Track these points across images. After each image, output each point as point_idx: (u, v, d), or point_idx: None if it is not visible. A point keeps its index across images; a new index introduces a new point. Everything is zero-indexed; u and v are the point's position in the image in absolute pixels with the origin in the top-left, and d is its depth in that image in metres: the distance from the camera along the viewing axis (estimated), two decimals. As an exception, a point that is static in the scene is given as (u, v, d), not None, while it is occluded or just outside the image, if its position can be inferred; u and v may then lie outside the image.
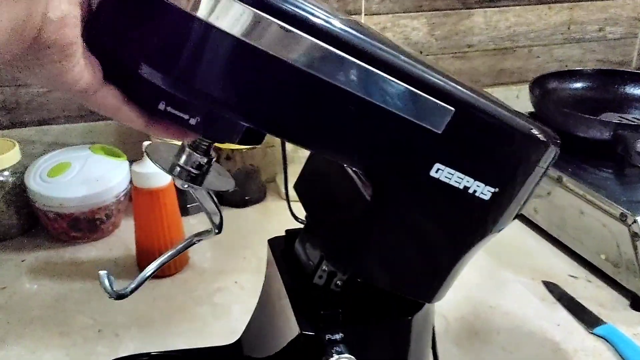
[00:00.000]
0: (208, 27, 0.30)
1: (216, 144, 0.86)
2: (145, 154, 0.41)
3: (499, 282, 0.75)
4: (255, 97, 0.33)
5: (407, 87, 0.35)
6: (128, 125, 0.36)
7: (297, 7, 0.31)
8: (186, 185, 0.41)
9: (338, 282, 0.45)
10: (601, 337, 0.65)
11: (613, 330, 0.66)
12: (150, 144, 0.44)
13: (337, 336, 0.41)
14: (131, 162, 0.71)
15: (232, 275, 0.75)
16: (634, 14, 1.07)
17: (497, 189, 0.40)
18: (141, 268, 0.74)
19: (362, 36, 0.33)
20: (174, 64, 0.31)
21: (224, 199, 0.90)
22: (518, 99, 1.01)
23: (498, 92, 0.65)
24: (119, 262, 0.77)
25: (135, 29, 0.31)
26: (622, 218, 0.69)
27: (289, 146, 0.50)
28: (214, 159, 0.41)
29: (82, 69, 0.30)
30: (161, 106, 0.34)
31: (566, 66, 1.05)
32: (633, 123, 0.85)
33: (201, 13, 0.30)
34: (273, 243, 0.52)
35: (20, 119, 0.88)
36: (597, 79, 0.93)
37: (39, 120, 0.89)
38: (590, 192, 0.73)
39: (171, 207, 0.72)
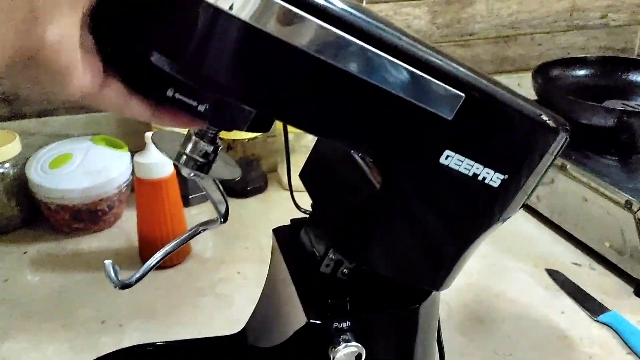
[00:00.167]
0: (216, 12, 0.30)
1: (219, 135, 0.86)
2: (151, 142, 0.41)
3: (501, 270, 0.75)
4: (264, 83, 0.33)
5: (417, 73, 0.34)
6: (133, 118, 0.35)
7: (306, -9, 0.31)
8: (192, 174, 0.40)
9: (345, 270, 0.44)
10: (606, 325, 0.65)
11: (618, 318, 0.66)
12: (156, 132, 0.44)
13: (345, 325, 0.41)
14: (133, 152, 0.71)
15: (235, 265, 0.74)
16: (636, 1, 1.06)
17: (506, 176, 0.39)
18: (143, 259, 0.73)
19: (371, 20, 0.33)
20: (183, 51, 0.31)
21: (226, 189, 0.89)
22: (520, 87, 1.00)
23: (500, 81, 0.65)
24: (121, 253, 0.77)
25: (143, 17, 0.31)
26: (627, 205, 0.68)
27: (290, 136, 0.49)
28: (220, 148, 0.41)
29: (80, 79, 0.29)
30: (169, 93, 0.34)
31: (569, 53, 1.05)
32: (637, 110, 0.85)
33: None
34: (278, 232, 0.52)
35: (21, 111, 0.87)
36: (600, 66, 0.93)
37: (39, 111, 0.88)
38: (595, 180, 0.73)
39: (173, 198, 0.71)
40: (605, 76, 0.92)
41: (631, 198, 0.68)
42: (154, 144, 0.41)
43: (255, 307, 0.55)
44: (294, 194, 0.52)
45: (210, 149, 0.40)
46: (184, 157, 0.40)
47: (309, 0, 0.31)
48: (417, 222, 0.40)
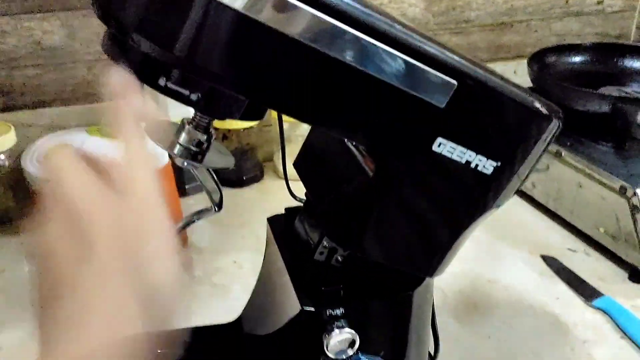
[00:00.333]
0: (209, 1, 0.30)
1: (214, 125, 0.85)
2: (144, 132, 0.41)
3: (496, 257, 0.75)
4: (258, 72, 0.33)
5: (409, 61, 0.34)
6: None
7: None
8: (186, 164, 0.40)
9: (339, 257, 0.45)
10: (600, 310, 0.66)
11: (612, 303, 0.66)
12: (148, 122, 0.44)
13: (338, 312, 0.41)
14: (128, 143, 0.70)
15: (231, 254, 0.75)
16: (632, -13, 1.06)
17: (499, 163, 0.39)
18: (141, 249, 0.73)
19: (363, 8, 0.33)
20: (175, 39, 0.31)
21: (221, 179, 0.89)
22: (516, 75, 1.00)
23: (496, 68, 0.65)
24: (118, 243, 0.77)
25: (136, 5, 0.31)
26: (622, 191, 0.69)
27: (285, 125, 0.49)
28: (214, 137, 0.41)
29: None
30: (161, 82, 0.34)
31: (564, 40, 1.05)
32: (632, 96, 0.85)
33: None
34: (272, 221, 0.52)
35: (15, 102, 0.87)
36: (596, 52, 0.92)
37: (34, 102, 0.88)
38: (590, 166, 0.73)
39: (169, 187, 0.71)
40: (601, 63, 0.92)
41: (625, 184, 0.68)
42: (147, 133, 0.41)
43: (251, 296, 0.56)
44: (290, 183, 0.52)
45: (203, 138, 0.40)
46: (178, 146, 0.40)
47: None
48: (411, 209, 0.40)
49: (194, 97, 0.34)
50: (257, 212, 0.84)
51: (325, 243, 0.44)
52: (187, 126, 0.39)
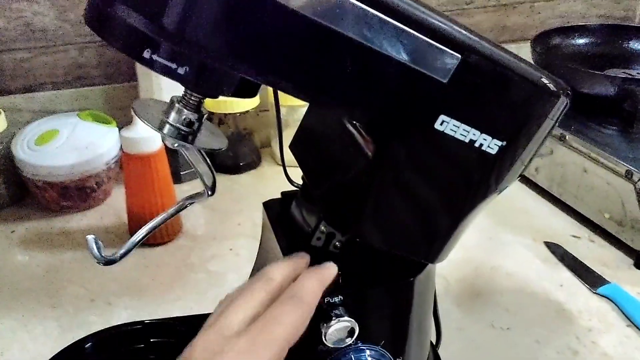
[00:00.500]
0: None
1: (209, 109, 0.83)
2: (132, 111, 0.39)
3: (499, 243, 0.73)
4: (250, 44, 0.31)
5: (411, 32, 0.33)
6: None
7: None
8: (177, 145, 0.38)
9: (337, 243, 0.43)
10: (605, 297, 0.64)
11: (617, 290, 0.64)
12: (137, 100, 0.41)
13: (337, 299, 0.40)
14: (121, 128, 0.69)
15: (227, 241, 0.73)
16: (637, -33, 1.03)
17: (504, 143, 0.37)
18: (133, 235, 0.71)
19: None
20: (161, 9, 0.29)
21: (217, 164, 0.88)
22: (519, 57, 0.98)
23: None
24: (111, 230, 0.75)
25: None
26: (628, 175, 0.67)
27: (283, 109, 0.47)
28: (205, 116, 0.39)
29: None
30: (146, 54, 0.32)
31: (568, 22, 1.02)
32: None
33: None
34: (268, 206, 0.50)
35: (5, 86, 0.85)
36: (601, 34, 0.90)
37: (24, 86, 0.86)
38: (595, 150, 0.71)
39: (162, 173, 0.70)
40: (606, 44, 0.90)
41: (632, 168, 0.67)
42: (135, 112, 0.39)
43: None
44: (288, 169, 0.50)
45: (194, 117, 0.38)
46: (167, 126, 0.38)
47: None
48: (411, 192, 0.39)
49: (181, 71, 0.32)
50: (253, 198, 0.82)
51: (322, 228, 0.42)
52: (176, 104, 0.38)
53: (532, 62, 0.84)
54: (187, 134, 0.38)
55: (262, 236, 0.51)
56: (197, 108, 0.38)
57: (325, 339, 0.38)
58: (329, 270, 0.38)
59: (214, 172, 0.43)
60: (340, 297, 0.39)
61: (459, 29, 0.35)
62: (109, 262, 0.40)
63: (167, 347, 0.55)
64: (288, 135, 0.48)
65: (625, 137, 0.74)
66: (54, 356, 0.52)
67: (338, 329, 0.39)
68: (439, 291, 0.48)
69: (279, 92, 0.40)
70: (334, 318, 0.39)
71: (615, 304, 0.63)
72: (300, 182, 0.49)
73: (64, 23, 0.83)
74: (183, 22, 0.30)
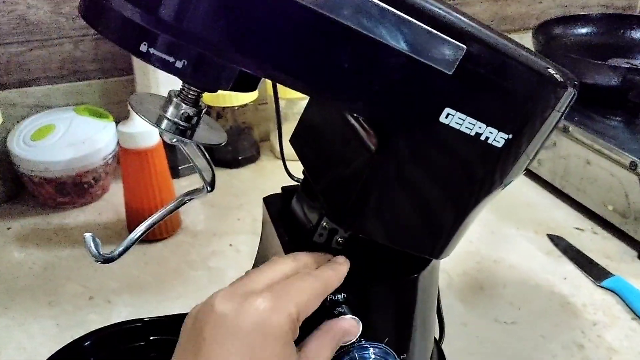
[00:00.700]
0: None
1: (207, 102, 0.82)
2: (129, 106, 0.38)
3: (501, 237, 0.73)
4: (248, 35, 0.30)
5: (414, 22, 0.32)
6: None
7: None
8: (175, 140, 0.37)
9: (339, 239, 0.42)
10: (610, 290, 0.64)
11: (622, 283, 0.64)
12: (134, 95, 0.40)
13: (340, 297, 0.39)
14: (118, 122, 0.68)
15: (227, 237, 0.72)
16: (639, -44, 1.02)
17: (510, 136, 0.37)
18: (132, 232, 0.71)
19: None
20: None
21: (216, 159, 0.87)
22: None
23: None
24: (109, 226, 0.74)
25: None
26: (632, 167, 0.66)
27: (282, 102, 0.47)
28: (204, 110, 0.38)
29: None
30: (143, 47, 0.31)
31: (569, 12, 1.01)
32: (643, 69, 0.81)
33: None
34: (268, 201, 0.49)
35: (0, 81, 0.83)
36: (603, 23, 0.89)
37: (19, 81, 0.84)
38: (598, 141, 0.70)
39: (160, 168, 0.69)
40: (608, 34, 0.89)
41: (636, 159, 0.66)
42: (132, 107, 0.38)
43: (249, 270, 0.53)
44: (288, 163, 0.49)
45: (192, 111, 0.37)
46: (165, 121, 0.37)
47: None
48: (415, 187, 0.38)
49: (179, 64, 0.31)
50: (253, 193, 0.81)
51: (324, 224, 0.41)
52: (174, 99, 0.37)
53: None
54: (185, 128, 0.37)
55: (262, 232, 0.50)
56: (196, 102, 0.37)
57: (329, 338, 0.38)
58: (345, 267, 0.39)
59: (213, 168, 0.42)
60: (343, 294, 0.39)
61: (464, 19, 0.34)
62: (107, 260, 0.39)
63: (168, 345, 0.55)
64: (287, 129, 0.48)
65: (629, 128, 0.73)
66: (52, 355, 0.51)
67: (342, 327, 0.38)
68: (441, 286, 0.47)
69: (278, 85, 0.39)
70: (337, 315, 0.38)
71: (620, 297, 0.62)
72: (301, 176, 0.48)
73: (58, 16, 0.82)
74: (180, 13, 0.29)
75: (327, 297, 0.38)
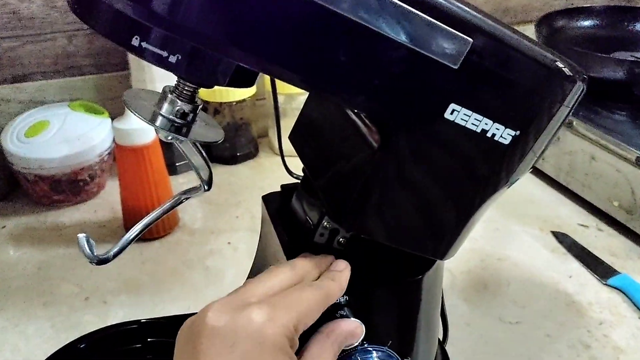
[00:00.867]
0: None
1: (204, 98, 0.81)
2: (123, 102, 0.36)
3: (505, 234, 0.71)
4: (245, 28, 0.28)
5: (418, 14, 0.30)
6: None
7: None
8: (170, 137, 0.36)
9: (341, 239, 0.41)
10: (616, 288, 0.62)
11: (628, 281, 0.63)
12: (128, 90, 0.39)
13: (342, 299, 0.38)
14: (113, 118, 0.66)
15: (225, 235, 0.71)
16: (643, -53, 1.01)
17: (518, 132, 0.35)
18: (128, 229, 0.69)
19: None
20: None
21: (214, 156, 0.86)
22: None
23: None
24: (105, 225, 0.73)
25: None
26: (638, 162, 0.65)
27: (281, 97, 0.45)
28: (200, 107, 0.36)
29: None
30: (135, 41, 0.29)
31: (572, 4, 1.00)
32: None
33: None
34: (267, 200, 0.48)
35: (-8, 77, 0.82)
36: (607, 16, 0.88)
37: (12, 76, 0.83)
38: (603, 136, 0.69)
39: (157, 165, 0.67)
40: (612, 27, 0.87)
41: (642, 154, 0.65)
42: (126, 104, 0.36)
43: (246, 280, 0.52)
44: (286, 159, 0.48)
45: (188, 108, 0.35)
46: (160, 118, 0.35)
47: None
48: (418, 185, 0.36)
49: (173, 59, 0.30)
50: (252, 190, 0.80)
51: (325, 224, 0.40)
52: (169, 95, 0.35)
53: (536, 45, 0.82)
54: (181, 125, 0.36)
55: (261, 231, 0.49)
56: (191, 98, 0.35)
57: (330, 342, 0.36)
58: (347, 273, 0.38)
59: (210, 166, 0.41)
60: (345, 297, 0.37)
61: (469, 10, 0.32)
62: (101, 261, 0.38)
63: (165, 347, 0.54)
64: (286, 125, 0.46)
65: (635, 123, 0.72)
66: (47, 358, 0.50)
67: (344, 331, 0.36)
68: (444, 285, 0.46)
69: (276, 80, 0.37)
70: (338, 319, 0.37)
71: (626, 295, 0.61)
72: (300, 173, 0.46)
73: (51, 10, 0.80)
74: (174, 5, 0.28)
75: (328, 300, 0.37)
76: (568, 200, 0.77)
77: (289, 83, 0.32)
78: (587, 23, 0.88)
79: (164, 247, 0.69)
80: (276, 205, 0.47)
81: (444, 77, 0.32)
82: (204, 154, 0.40)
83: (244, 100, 0.84)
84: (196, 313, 0.54)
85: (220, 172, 0.84)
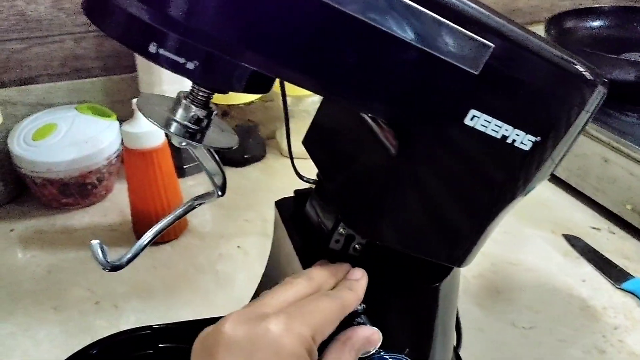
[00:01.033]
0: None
1: (213, 101, 0.80)
2: (136, 108, 0.36)
3: (517, 238, 0.71)
4: (264, 34, 0.28)
5: (438, 19, 0.30)
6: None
7: None
8: (184, 143, 0.36)
9: (357, 246, 0.40)
10: (630, 292, 0.62)
11: (642, 285, 0.62)
12: (141, 96, 0.39)
13: (359, 307, 0.37)
14: (122, 121, 0.66)
15: (235, 239, 0.70)
16: (653, -54, 1.00)
17: (538, 138, 0.35)
18: (137, 233, 0.69)
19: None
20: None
21: (223, 158, 0.85)
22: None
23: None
24: (115, 228, 0.73)
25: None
26: (652, 165, 0.64)
27: (289, 100, 0.45)
28: (214, 113, 0.36)
29: None
30: (152, 49, 0.29)
31: (580, 4, 0.99)
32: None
33: None
34: (281, 205, 0.47)
35: (0, 79, 0.82)
36: (616, 16, 0.87)
37: (19, 79, 0.82)
38: (616, 139, 0.68)
39: (166, 168, 0.67)
40: (621, 27, 0.87)
41: (656, 157, 0.64)
42: (139, 109, 0.36)
43: (258, 286, 0.52)
44: (295, 161, 0.47)
45: (203, 114, 0.35)
46: (174, 124, 0.35)
47: None
48: (436, 192, 0.36)
49: (190, 65, 0.30)
50: (261, 193, 0.79)
51: (341, 230, 0.39)
52: (183, 101, 0.35)
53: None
54: (195, 131, 0.35)
55: (274, 237, 0.49)
56: (206, 104, 0.35)
57: (347, 350, 0.36)
58: (363, 283, 0.37)
59: (224, 171, 0.40)
60: (362, 305, 0.37)
61: (489, 14, 0.32)
62: (115, 267, 0.38)
63: (177, 353, 0.53)
64: (294, 127, 0.46)
65: (647, 125, 0.71)
66: (59, 364, 0.50)
67: (361, 339, 0.36)
68: (458, 290, 0.46)
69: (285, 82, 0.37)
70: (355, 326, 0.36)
71: (641, 300, 0.61)
72: (309, 175, 0.46)
73: (59, 12, 0.80)
74: (192, 10, 0.27)
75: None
76: (580, 203, 0.76)
77: (306, 88, 0.31)
78: (596, 24, 0.87)
79: (174, 251, 0.68)
80: (289, 210, 0.46)
81: (465, 82, 0.32)
82: (218, 159, 0.40)
83: (252, 102, 0.83)
84: (208, 318, 0.54)
85: (229, 174, 0.82)
